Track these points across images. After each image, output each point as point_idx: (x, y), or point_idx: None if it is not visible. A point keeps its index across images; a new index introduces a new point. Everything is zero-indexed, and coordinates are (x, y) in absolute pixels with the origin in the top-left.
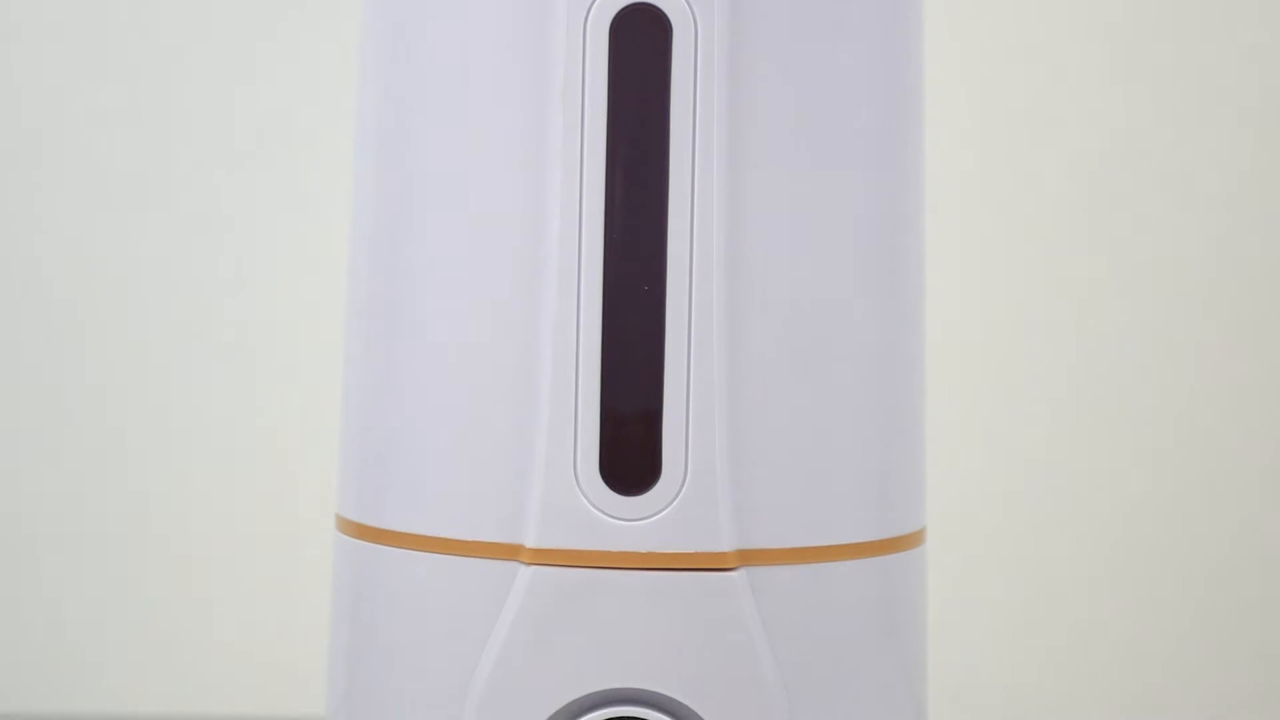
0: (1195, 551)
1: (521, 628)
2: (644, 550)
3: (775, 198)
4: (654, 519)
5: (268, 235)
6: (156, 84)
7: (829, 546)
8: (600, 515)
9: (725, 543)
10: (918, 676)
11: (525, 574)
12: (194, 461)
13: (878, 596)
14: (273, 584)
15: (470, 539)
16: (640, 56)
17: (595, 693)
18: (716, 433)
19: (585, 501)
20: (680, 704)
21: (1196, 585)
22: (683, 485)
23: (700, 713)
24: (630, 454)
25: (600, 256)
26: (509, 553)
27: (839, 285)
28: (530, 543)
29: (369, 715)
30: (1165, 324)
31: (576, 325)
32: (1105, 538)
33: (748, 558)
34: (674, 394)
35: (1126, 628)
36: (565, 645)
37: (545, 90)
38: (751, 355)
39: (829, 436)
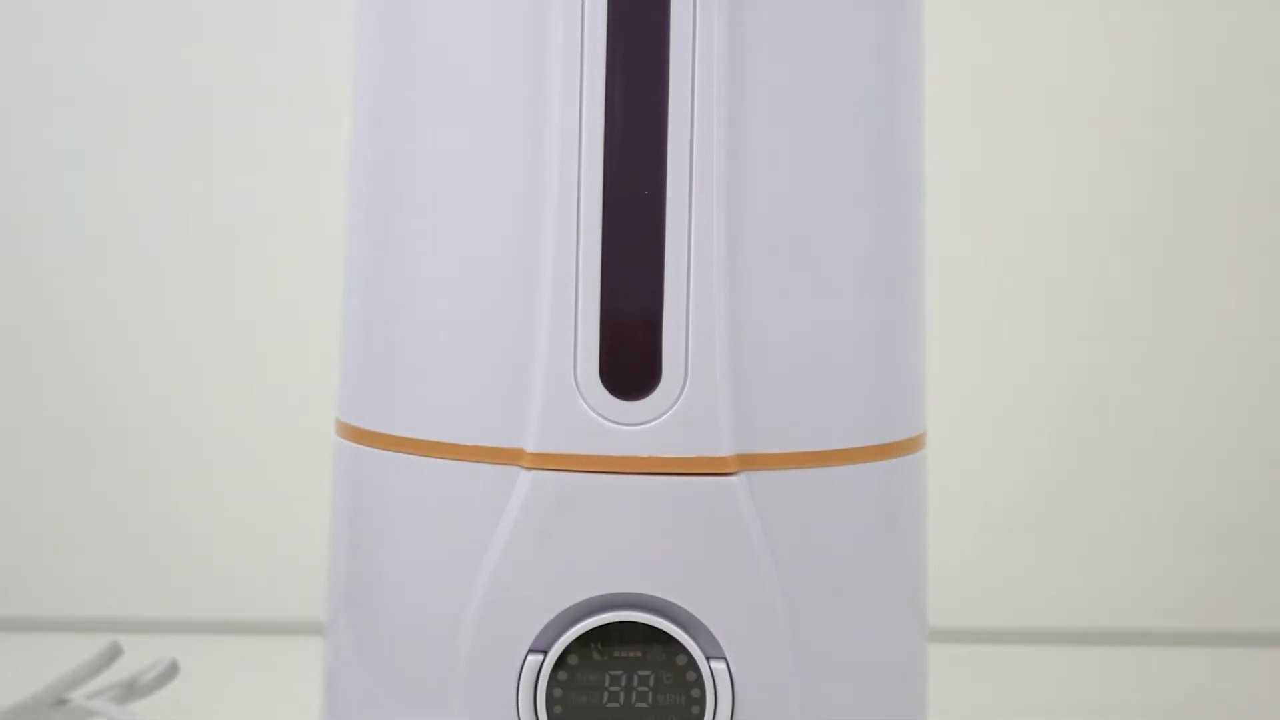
0: (1194, 456)
1: (521, 532)
2: (644, 455)
3: (776, 101)
4: (654, 423)
5: (268, 144)
6: None
7: (829, 451)
8: (600, 420)
9: (725, 447)
10: (918, 580)
11: (525, 478)
12: (195, 366)
13: (877, 501)
14: (273, 490)
15: (470, 443)
16: None
17: (595, 597)
18: (716, 337)
19: (585, 406)
20: (680, 608)
21: (1194, 489)
22: (682, 390)
23: (700, 617)
24: (630, 359)
25: (600, 162)
26: (509, 457)
27: (839, 191)
28: (530, 447)
29: (368, 620)
30: (1171, 233)
31: (577, 230)
32: (1105, 442)
33: (747, 462)
34: (674, 299)
35: (1126, 531)
36: (565, 550)
37: None
38: (751, 261)
39: (829, 341)
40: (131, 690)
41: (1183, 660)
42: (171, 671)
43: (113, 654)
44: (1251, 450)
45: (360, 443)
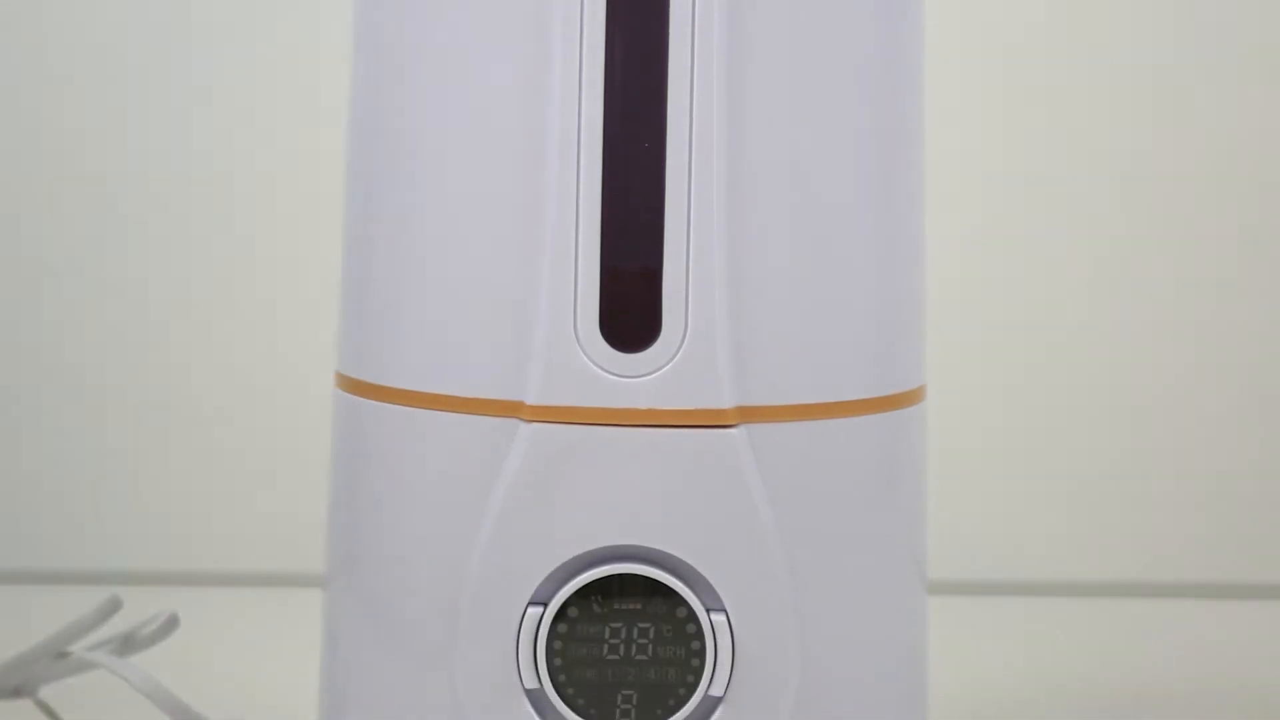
0: (1195, 407)
1: (521, 485)
2: (644, 407)
3: (776, 53)
4: (654, 376)
5: (269, 94)
6: None
7: (829, 403)
8: (600, 372)
9: (725, 399)
10: (917, 533)
11: (525, 431)
12: (194, 318)
13: (878, 453)
14: (272, 442)
15: (470, 396)
16: None
17: (595, 550)
18: (716, 289)
19: (585, 358)
20: (680, 560)
21: (1195, 440)
22: (683, 342)
23: (700, 569)
24: (630, 311)
25: (600, 113)
26: (509, 410)
27: (840, 143)
28: (530, 400)
29: (368, 573)
30: (1177, 184)
31: (577, 182)
32: (1105, 393)
33: (747, 414)
34: (674, 250)
35: (1126, 484)
36: (565, 502)
37: None
38: (751, 211)
39: (829, 293)
40: (131, 643)
41: (1184, 612)
42: (172, 624)
43: (112, 607)
44: (1252, 401)
45: (359, 395)
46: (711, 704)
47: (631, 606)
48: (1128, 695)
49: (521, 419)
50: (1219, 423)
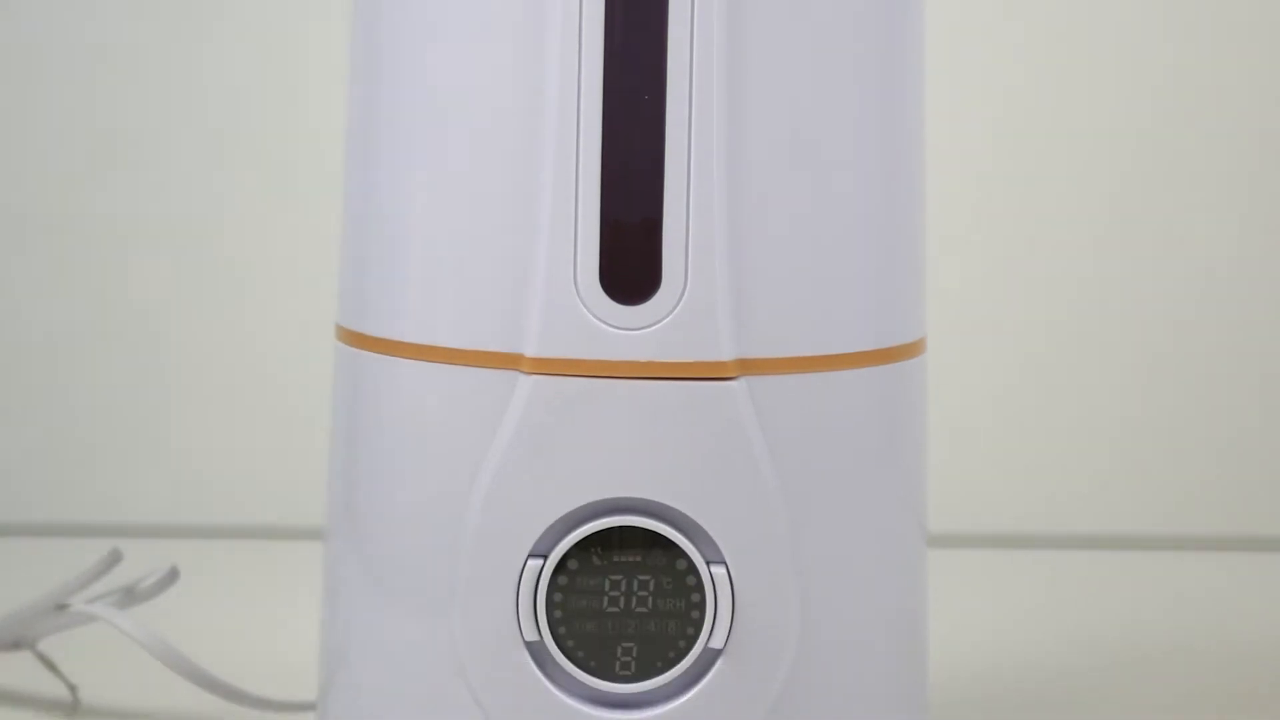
0: (1200, 359)
1: (521, 437)
2: (644, 359)
3: (776, 2)
4: (654, 328)
5: (271, 41)
6: None
7: (830, 356)
8: (600, 324)
9: (725, 351)
10: (918, 485)
11: (525, 383)
12: (193, 267)
13: (878, 405)
14: (274, 395)
15: (470, 348)
16: None
17: (595, 502)
18: (717, 241)
19: (585, 310)
20: (680, 513)
21: (1200, 392)
22: (683, 294)
23: (700, 522)
24: (630, 262)
25: (600, 64)
26: (509, 362)
27: (839, 93)
28: (530, 352)
29: (368, 527)
30: (1185, 136)
31: (577, 134)
32: (1107, 345)
33: (748, 367)
34: (674, 202)
35: (1128, 436)
36: (565, 454)
37: None
38: (752, 163)
39: (829, 245)
40: (131, 595)
41: (1186, 565)
42: (172, 577)
43: (113, 559)
44: (1260, 352)
45: (360, 347)
46: (711, 656)
47: (631, 559)
48: (1128, 648)
49: (521, 371)
50: (1226, 375)
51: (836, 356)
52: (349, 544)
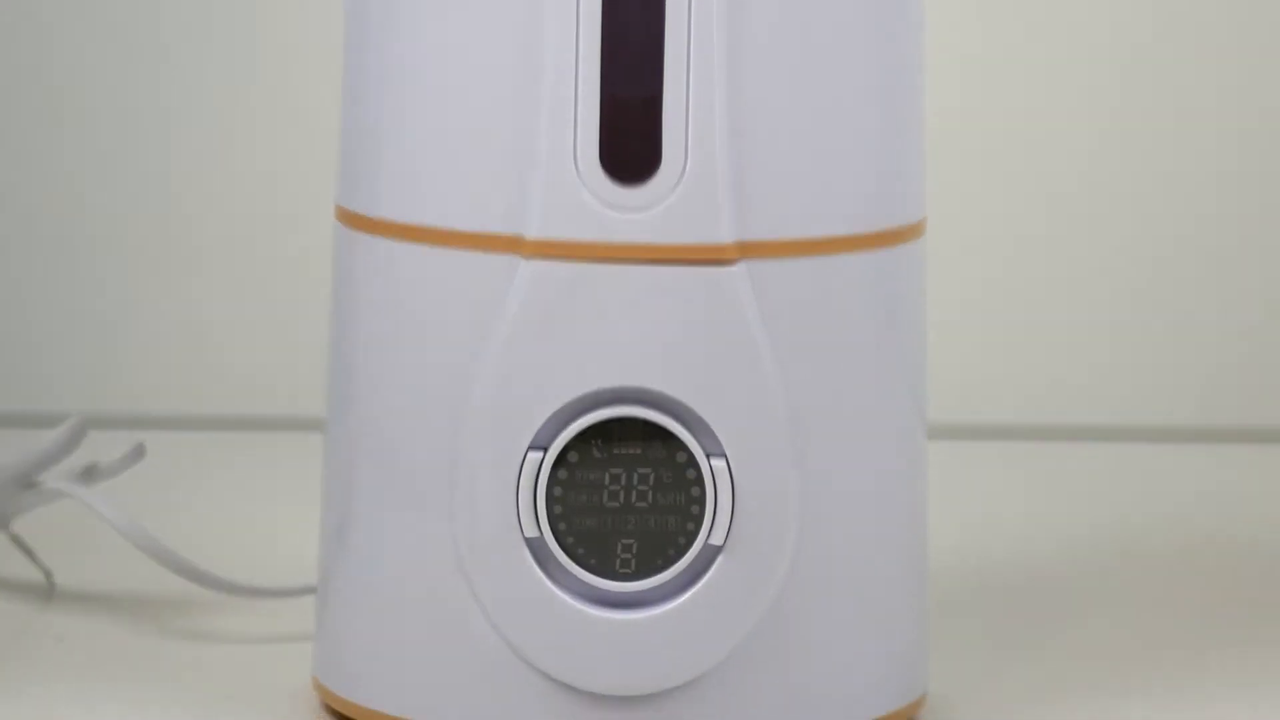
0: (1199, 248)
1: (520, 323)
2: (643, 242)
3: None
4: (654, 210)
5: None
6: None
7: (829, 238)
8: (600, 206)
9: (725, 234)
10: (917, 371)
11: (525, 267)
12: (174, 148)
13: (877, 289)
14: (272, 279)
15: (469, 230)
16: None
17: (595, 392)
18: (717, 122)
19: (585, 191)
20: (680, 405)
21: (1200, 280)
22: (683, 175)
23: (699, 411)
24: (630, 143)
25: None
26: (509, 245)
27: None
28: (530, 234)
29: (367, 415)
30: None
31: (577, 12)
32: (1109, 231)
33: (747, 250)
34: (674, 82)
35: (1128, 324)
36: (564, 342)
37: None
38: (752, 44)
39: (829, 127)
40: (97, 471)
41: (1189, 456)
42: (138, 453)
43: (79, 432)
44: (1267, 238)
45: (359, 229)
46: (711, 553)
47: (631, 451)
48: (1130, 541)
49: (520, 255)
50: (1233, 261)
51: (836, 239)
52: (347, 433)
